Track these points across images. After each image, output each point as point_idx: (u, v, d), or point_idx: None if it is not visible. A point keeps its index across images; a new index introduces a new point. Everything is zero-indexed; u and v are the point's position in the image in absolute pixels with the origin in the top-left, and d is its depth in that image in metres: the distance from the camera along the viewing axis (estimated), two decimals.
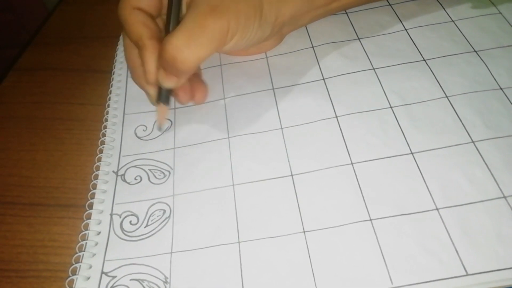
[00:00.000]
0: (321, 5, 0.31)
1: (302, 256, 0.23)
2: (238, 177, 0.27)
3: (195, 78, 0.31)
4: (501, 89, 0.28)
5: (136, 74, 0.29)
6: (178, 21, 0.26)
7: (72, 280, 0.24)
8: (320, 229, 0.24)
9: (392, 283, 0.21)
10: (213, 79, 0.33)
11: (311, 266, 0.22)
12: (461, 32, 0.32)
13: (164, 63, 0.25)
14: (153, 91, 0.28)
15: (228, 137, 0.29)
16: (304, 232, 0.24)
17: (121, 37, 0.38)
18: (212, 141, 0.29)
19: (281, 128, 0.29)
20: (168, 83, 0.27)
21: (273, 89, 0.31)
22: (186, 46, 0.24)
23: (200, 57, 0.24)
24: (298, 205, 0.25)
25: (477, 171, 0.25)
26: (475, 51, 0.31)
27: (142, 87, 0.29)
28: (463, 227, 0.23)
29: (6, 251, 0.26)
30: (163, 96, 0.28)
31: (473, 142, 0.26)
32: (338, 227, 0.24)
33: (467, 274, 0.21)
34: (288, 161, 0.27)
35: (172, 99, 0.30)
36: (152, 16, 0.28)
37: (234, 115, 0.30)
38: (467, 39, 0.32)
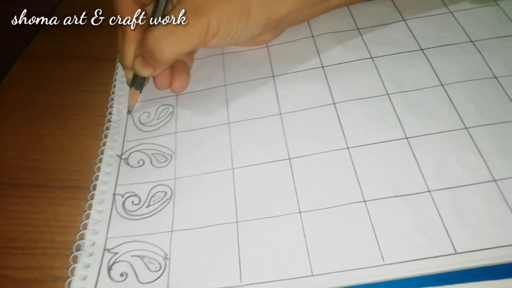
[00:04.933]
0: (320, 1, 0.31)
1: (297, 235, 0.24)
2: (238, 160, 0.28)
3: (182, 68, 0.32)
4: (495, 78, 0.29)
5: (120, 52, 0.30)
6: (163, 14, 0.28)
7: (76, 256, 0.25)
8: (315, 210, 0.24)
9: (383, 260, 0.22)
10: (215, 67, 0.34)
11: (306, 245, 0.23)
12: (458, 23, 0.33)
13: (143, 52, 0.27)
14: (129, 75, 0.30)
15: (228, 123, 0.30)
16: (300, 212, 0.25)
17: None
18: (212, 126, 0.30)
19: (280, 114, 0.29)
20: (143, 72, 0.28)
21: (273, 76, 0.32)
22: (167, 38, 0.26)
23: (179, 51, 0.26)
24: (295, 186, 0.26)
25: (469, 155, 0.25)
26: (472, 41, 0.31)
27: (122, 67, 0.31)
28: (454, 208, 0.23)
29: (14, 229, 0.27)
30: (137, 82, 0.30)
31: (466, 128, 0.27)
32: (332, 208, 0.24)
33: (456, 253, 0.22)
34: (286, 145, 0.28)
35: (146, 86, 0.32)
36: (143, 3, 0.30)
37: (234, 101, 0.31)
38: (464, 30, 0.32)
